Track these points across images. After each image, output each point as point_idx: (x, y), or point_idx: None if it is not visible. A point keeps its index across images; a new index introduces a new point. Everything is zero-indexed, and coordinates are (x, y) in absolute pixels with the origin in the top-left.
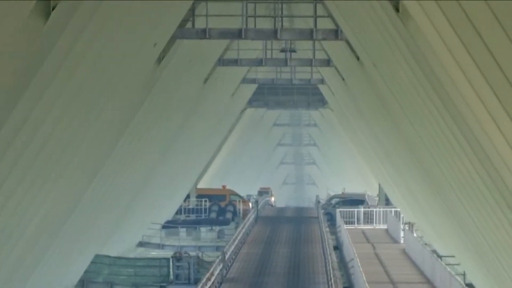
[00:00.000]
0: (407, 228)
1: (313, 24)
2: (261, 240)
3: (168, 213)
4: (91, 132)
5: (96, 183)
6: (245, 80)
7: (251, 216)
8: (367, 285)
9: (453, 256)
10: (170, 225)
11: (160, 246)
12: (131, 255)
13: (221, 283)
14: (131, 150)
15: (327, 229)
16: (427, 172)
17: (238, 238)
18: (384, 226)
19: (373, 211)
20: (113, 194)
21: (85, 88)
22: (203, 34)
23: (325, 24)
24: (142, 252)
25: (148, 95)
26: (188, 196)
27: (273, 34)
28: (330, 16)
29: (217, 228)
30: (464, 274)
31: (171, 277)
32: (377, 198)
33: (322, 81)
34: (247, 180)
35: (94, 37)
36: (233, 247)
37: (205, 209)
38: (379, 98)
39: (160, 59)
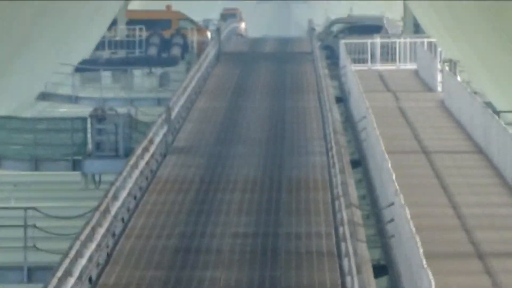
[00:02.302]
0: (447, 68)
1: None
2: (225, 89)
3: (83, 49)
4: None
5: None
6: None
7: (210, 52)
8: (386, 155)
9: None
10: (87, 67)
11: (73, 99)
12: (28, 114)
13: (164, 156)
14: None
15: (326, 71)
16: None
17: (191, 86)
18: (413, 66)
19: (395, 43)
20: None
21: None
22: None
23: None
24: (45, 109)
25: None
26: (114, 22)
27: None
28: None
29: (158, 70)
30: None
31: (89, 146)
32: (402, 23)
33: None
34: None
35: None
36: (183, 100)
37: (141, 41)
38: None
39: None
